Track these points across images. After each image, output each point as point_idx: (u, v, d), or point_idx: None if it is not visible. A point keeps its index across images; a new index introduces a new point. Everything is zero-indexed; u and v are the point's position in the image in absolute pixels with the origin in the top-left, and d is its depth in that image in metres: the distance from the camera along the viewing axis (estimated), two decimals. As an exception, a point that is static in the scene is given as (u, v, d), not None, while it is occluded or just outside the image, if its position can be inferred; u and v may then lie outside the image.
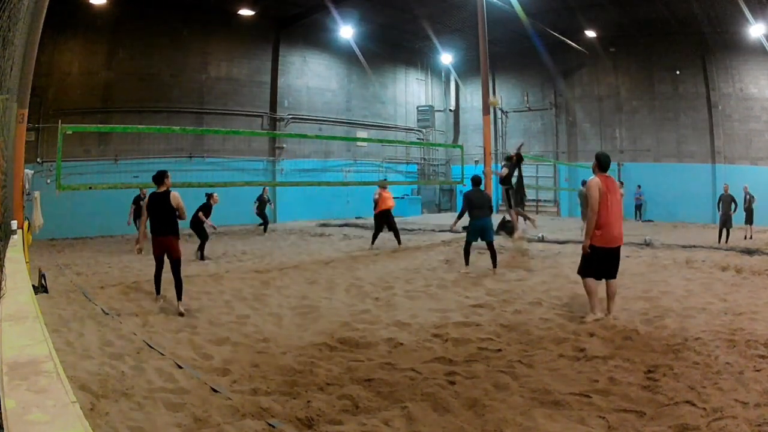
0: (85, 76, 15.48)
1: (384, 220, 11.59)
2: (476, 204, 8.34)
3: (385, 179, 10.59)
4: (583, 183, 14.77)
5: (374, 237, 11.70)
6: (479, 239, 8.49)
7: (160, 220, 6.13)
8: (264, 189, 15.40)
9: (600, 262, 5.37)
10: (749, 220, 13.90)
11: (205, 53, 17.91)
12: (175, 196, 6.19)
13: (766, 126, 18.45)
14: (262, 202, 15.24)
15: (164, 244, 6.14)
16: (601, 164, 5.50)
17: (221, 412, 3.30)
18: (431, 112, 24.47)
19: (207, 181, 11.75)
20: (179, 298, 6.04)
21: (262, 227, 15.39)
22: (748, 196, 13.94)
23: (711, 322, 5.10)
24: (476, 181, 8.67)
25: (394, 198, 12.19)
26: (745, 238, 13.38)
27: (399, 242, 11.52)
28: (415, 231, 15.31)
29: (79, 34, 15.38)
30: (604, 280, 5.46)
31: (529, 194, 22.19)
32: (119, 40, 16.07)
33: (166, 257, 6.21)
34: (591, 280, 5.44)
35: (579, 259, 5.58)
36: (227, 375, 4.01)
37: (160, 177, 6.25)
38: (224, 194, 11.77)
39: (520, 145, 12.36)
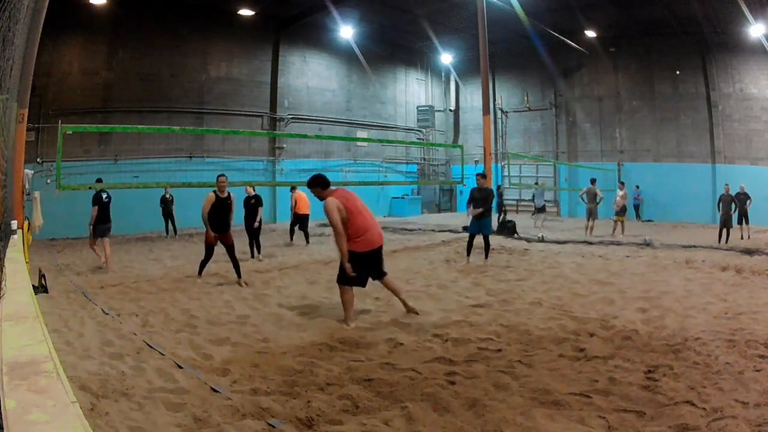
0: (85, 76, 15.47)
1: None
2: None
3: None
4: (592, 181, 14.85)
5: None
6: None
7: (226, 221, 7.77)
8: (165, 189, 13.97)
9: (363, 264, 5.45)
10: (744, 220, 13.87)
11: (205, 53, 17.91)
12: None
13: (766, 126, 18.46)
14: (166, 203, 14.12)
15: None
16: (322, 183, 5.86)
17: (221, 412, 3.29)
18: (431, 112, 24.49)
19: (207, 181, 11.73)
20: (239, 275, 7.73)
21: (172, 231, 14.28)
22: (742, 196, 13.93)
23: (711, 322, 5.10)
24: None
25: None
26: (741, 238, 13.41)
27: None
28: (415, 231, 15.32)
29: (79, 34, 15.38)
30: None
31: (529, 194, 22.43)
32: (119, 40, 16.06)
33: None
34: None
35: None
36: (227, 375, 4.01)
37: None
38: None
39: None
